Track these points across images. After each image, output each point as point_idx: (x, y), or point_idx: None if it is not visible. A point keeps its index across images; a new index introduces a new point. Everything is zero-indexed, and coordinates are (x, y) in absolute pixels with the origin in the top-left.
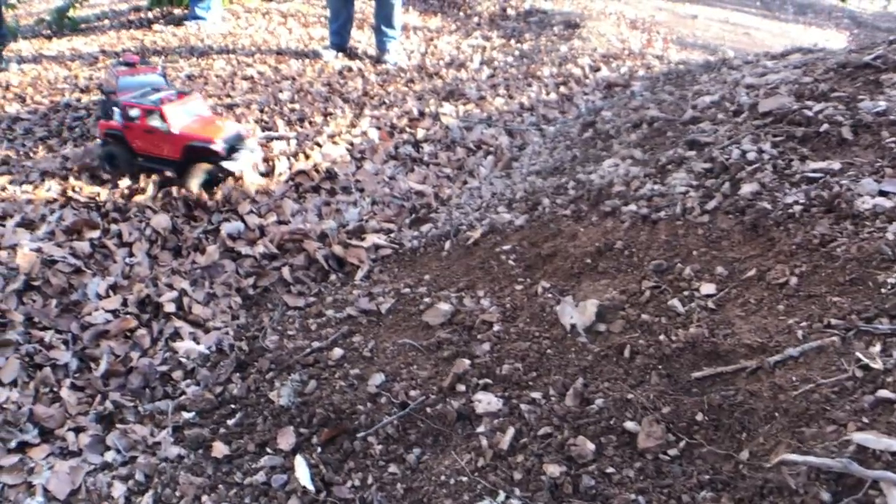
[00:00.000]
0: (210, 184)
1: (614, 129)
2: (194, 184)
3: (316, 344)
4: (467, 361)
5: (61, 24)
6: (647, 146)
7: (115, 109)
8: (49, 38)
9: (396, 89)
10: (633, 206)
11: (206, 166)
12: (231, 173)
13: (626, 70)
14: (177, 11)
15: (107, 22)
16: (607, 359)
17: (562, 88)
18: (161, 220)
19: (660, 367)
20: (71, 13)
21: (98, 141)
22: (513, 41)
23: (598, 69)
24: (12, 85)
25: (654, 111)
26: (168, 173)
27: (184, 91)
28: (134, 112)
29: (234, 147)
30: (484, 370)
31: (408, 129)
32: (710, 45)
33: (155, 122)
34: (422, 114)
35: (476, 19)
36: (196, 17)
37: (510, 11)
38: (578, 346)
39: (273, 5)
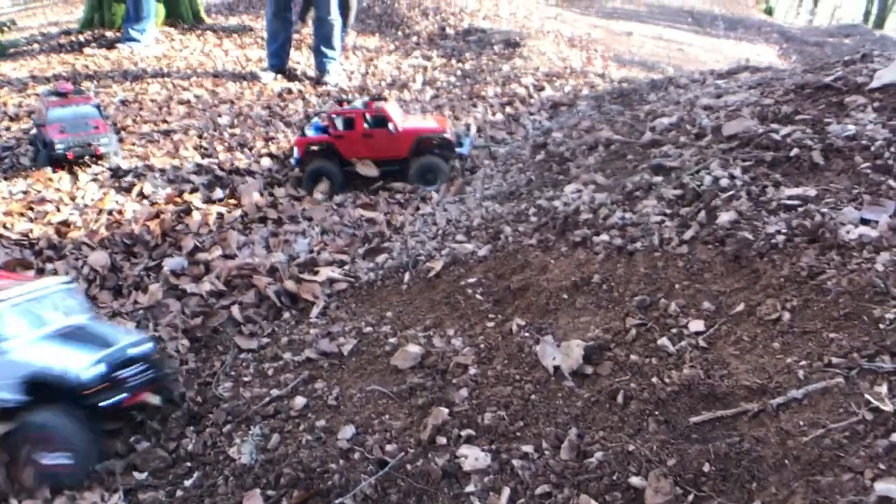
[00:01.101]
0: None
1: (569, 152)
2: (415, 178)
3: (275, 392)
4: (445, 410)
5: None
6: (608, 170)
7: (313, 122)
8: None
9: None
10: (605, 237)
11: (430, 159)
12: (463, 158)
13: (570, 89)
14: (109, 34)
15: (36, 46)
16: (599, 405)
17: (507, 108)
18: (99, 258)
19: (656, 412)
20: None
21: (293, 161)
22: (454, 60)
23: (542, 88)
24: None
25: (608, 132)
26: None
27: (376, 97)
28: (347, 119)
29: (458, 135)
30: (465, 420)
31: None
32: (647, 61)
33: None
34: None
35: (415, 38)
36: (130, 39)
37: (449, 31)
38: (565, 391)
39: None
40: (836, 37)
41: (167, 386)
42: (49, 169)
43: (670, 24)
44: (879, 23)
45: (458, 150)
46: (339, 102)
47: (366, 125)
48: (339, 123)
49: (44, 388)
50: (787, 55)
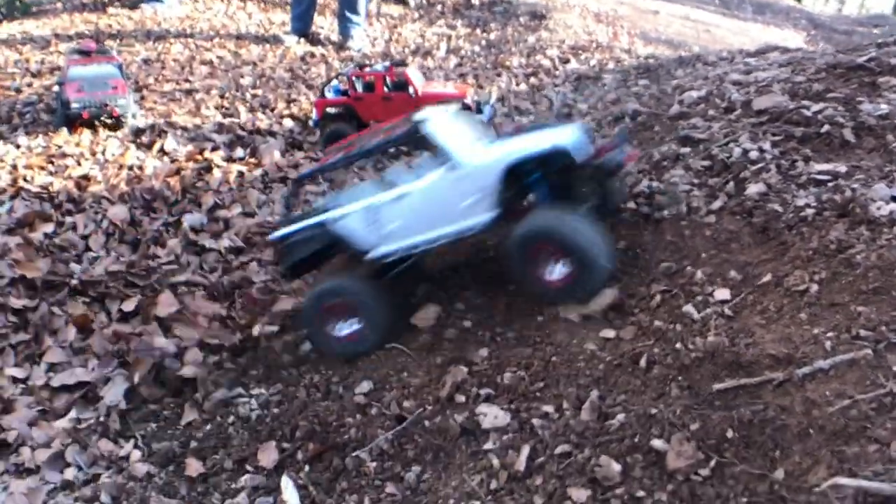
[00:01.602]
0: None
1: (594, 122)
2: None
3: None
4: (465, 369)
5: (13, 8)
6: (635, 140)
7: (332, 84)
8: (0, 21)
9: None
10: (631, 204)
11: None
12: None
13: (595, 63)
14: None
15: (60, 4)
16: (621, 368)
17: (532, 79)
18: (118, 212)
19: (679, 378)
20: None
21: (311, 122)
22: (478, 30)
23: (567, 61)
24: None
25: (635, 104)
26: None
27: (398, 62)
28: (367, 82)
29: (479, 102)
30: (484, 379)
31: None
32: (673, 40)
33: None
34: None
35: (439, 7)
36: (153, 0)
37: (474, 1)
38: (587, 353)
39: None
40: (865, 26)
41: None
42: (65, 129)
43: (697, 4)
44: None
45: (478, 116)
46: (361, 66)
47: (386, 89)
48: (359, 86)
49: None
50: (814, 41)
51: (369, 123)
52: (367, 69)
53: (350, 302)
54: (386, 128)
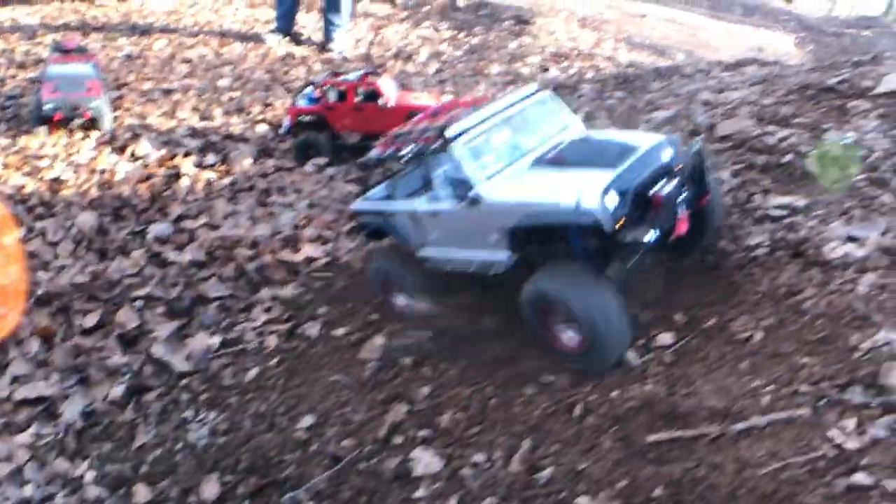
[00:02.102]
0: None
1: None
2: None
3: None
4: (405, 408)
5: None
6: None
7: (306, 92)
8: None
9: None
10: None
11: None
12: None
13: (574, 71)
14: None
15: None
16: (556, 416)
17: (509, 88)
18: (87, 219)
19: (613, 429)
20: None
21: (282, 130)
22: (462, 34)
23: (546, 69)
24: None
25: (605, 122)
26: None
27: (372, 71)
28: (340, 91)
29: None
30: (423, 419)
31: None
32: (658, 45)
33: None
34: None
35: (426, 8)
36: None
37: (460, 3)
38: (525, 397)
39: None
40: (855, 28)
41: (710, 206)
42: (41, 129)
43: (686, 7)
44: None
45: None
46: (335, 74)
47: (357, 98)
48: (332, 95)
49: (543, 235)
50: (803, 44)
51: (340, 134)
52: (341, 78)
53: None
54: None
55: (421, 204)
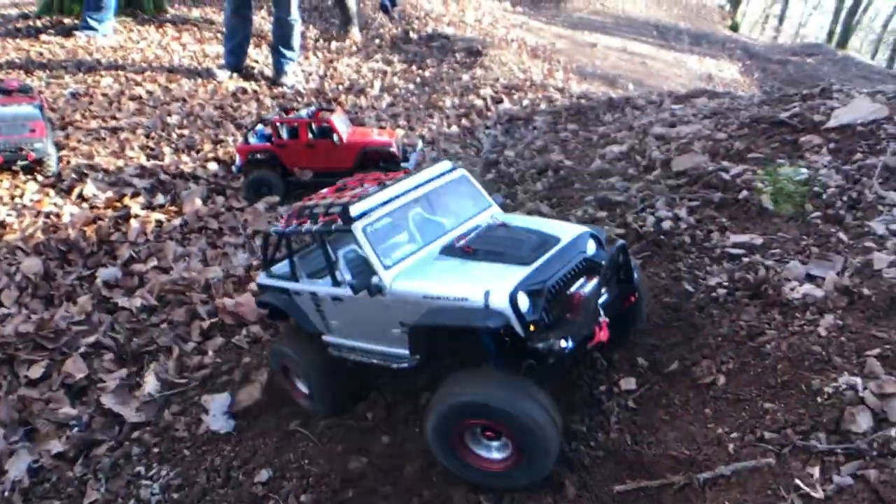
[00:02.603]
0: None
1: (518, 174)
2: None
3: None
4: (364, 460)
5: None
6: (555, 199)
7: (257, 128)
8: None
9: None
10: None
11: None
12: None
13: (528, 102)
14: (67, 21)
15: None
16: None
17: (463, 121)
18: (32, 265)
19: (577, 478)
20: None
21: (234, 169)
22: (414, 66)
23: (500, 101)
24: None
25: (559, 155)
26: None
27: (324, 107)
28: (292, 128)
29: (405, 149)
30: (382, 473)
31: None
32: (609, 74)
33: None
34: None
35: (378, 41)
36: (88, 28)
37: (413, 35)
38: None
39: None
40: (799, 55)
41: (636, 306)
42: None
43: (636, 36)
44: (843, 42)
45: (403, 164)
46: (285, 111)
47: (310, 135)
48: (284, 132)
49: (449, 337)
50: (749, 72)
51: (293, 171)
52: (293, 114)
53: None
54: (329, 203)
55: (323, 286)
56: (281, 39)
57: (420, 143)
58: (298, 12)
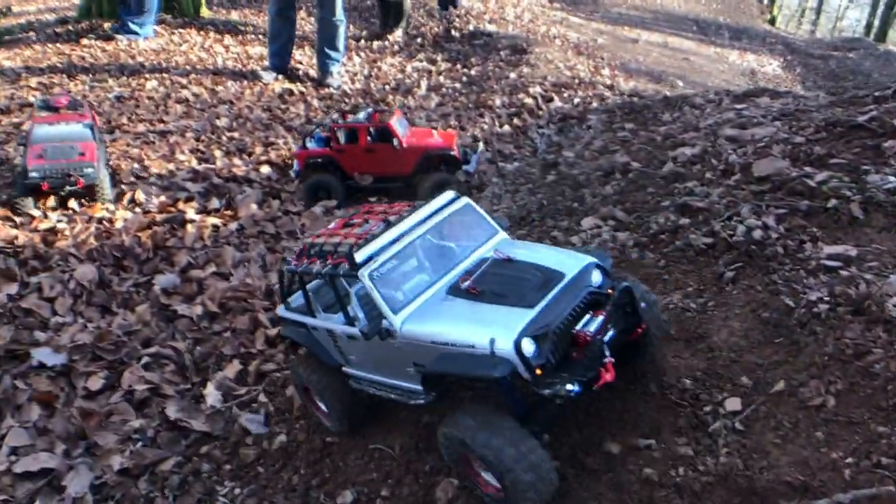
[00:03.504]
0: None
1: (583, 176)
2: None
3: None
4: (455, 482)
5: None
6: (628, 203)
7: (314, 132)
8: None
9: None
10: None
11: (438, 175)
12: (469, 174)
13: (579, 101)
14: (107, 25)
15: (32, 34)
16: (626, 489)
17: (515, 120)
18: (86, 272)
19: (687, 502)
20: None
21: (292, 173)
22: (459, 65)
23: (550, 99)
24: None
25: (624, 157)
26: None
27: (381, 109)
28: (350, 132)
29: (465, 152)
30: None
31: None
32: (653, 71)
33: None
34: None
35: (420, 40)
36: (129, 32)
37: (454, 33)
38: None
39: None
40: (840, 50)
41: (649, 335)
42: (29, 201)
43: (675, 31)
44: (881, 36)
45: (464, 167)
46: (342, 114)
47: (369, 139)
48: (342, 137)
49: (457, 381)
50: (791, 67)
51: (353, 175)
52: (350, 118)
53: None
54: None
55: (338, 324)
56: (326, 40)
57: (481, 145)
58: (343, 13)
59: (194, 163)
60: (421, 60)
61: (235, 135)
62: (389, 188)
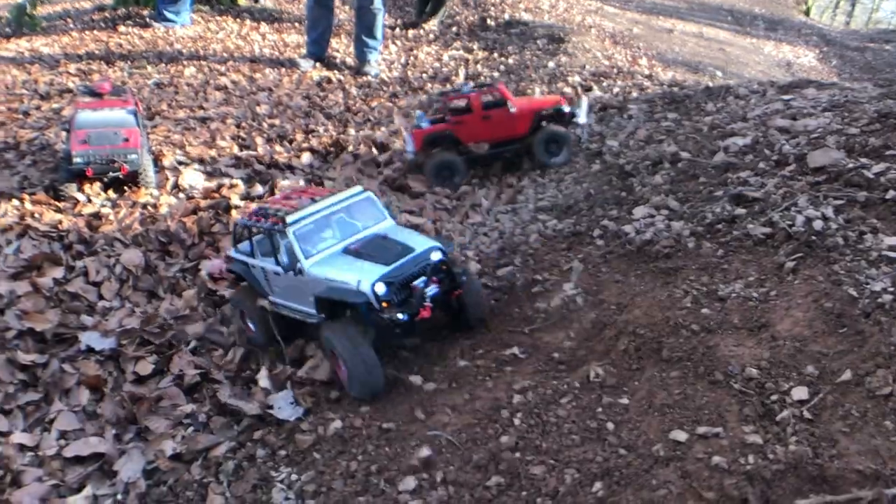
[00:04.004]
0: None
1: (630, 165)
2: (540, 152)
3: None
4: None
5: (21, 23)
6: (680, 193)
7: (417, 115)
8: (7, 37)
9: (381, 104)
10: (691, 275)
11: (551, 131)
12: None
13: (618, 90)
14: (144, 12)
15: (70, 22)
16: (697, 482)
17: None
18: (133, 257)
19: (759, 489)
20: (31, 11)
21: (409, 156)
22: (496, 54)
23: (589, 88)
24: None
25: (671, 146)
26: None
27: (482, 83)
28: (463, 104)
29: (572, 111)
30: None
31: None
32: (690, 61)
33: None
34: None
35: (455, 29)
36: (165, 20)
37: (490, 22)
38: (661, 459)
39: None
40: (876, 42)
41: (465, 296)
42: (73, 186)
43: (710, 21)
44: None
45: (575, 119)
46: (444, 93)
47: (484, 107)
48: (456, 109)
49: (336, 305)
50: (827, 59)
51: (469, 146)
52: (459, 92)
53: None
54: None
55: (270, 264)
56: (365, 28)
57: (584, 98)
58: (382, 1)
59: (236, 149)
60: (457, 49)
61: (276, 122)
62: (505, 152)
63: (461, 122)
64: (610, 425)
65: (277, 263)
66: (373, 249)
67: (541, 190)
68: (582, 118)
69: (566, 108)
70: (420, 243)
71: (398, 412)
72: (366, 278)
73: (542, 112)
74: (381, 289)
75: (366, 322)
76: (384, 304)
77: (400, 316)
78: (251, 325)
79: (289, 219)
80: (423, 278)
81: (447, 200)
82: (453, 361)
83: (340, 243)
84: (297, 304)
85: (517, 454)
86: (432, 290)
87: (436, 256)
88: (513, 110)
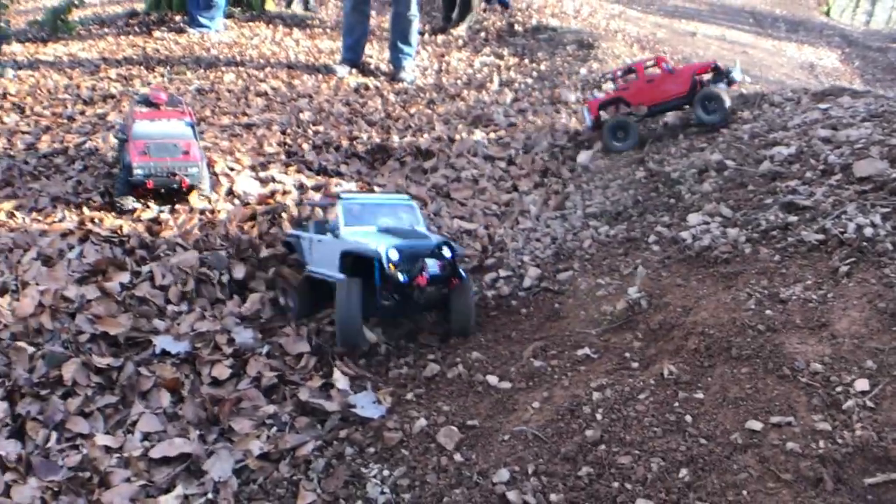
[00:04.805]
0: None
1: (676, 173)
2: (698, 109)
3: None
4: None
5: (56, 28)
6: (731, 200)
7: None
8: (44, 41)
9: (419, 111)
10: (752, 279)
11: (706, 90)
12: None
13: None
14: (178, 17)
15: (104, 27)
16: (775, 466)
17: None
18: (195, 261)
19: (832, 470)
20: (67, 16)
21: (587, 124)
22: (526, 60)
23: None
24: (9, 93)
25: (716, 155)
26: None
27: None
28: (630, 71)
29: (728, 70)
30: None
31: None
32: None
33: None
34: (451, 140)
35: (483, 34)
36: (199, 26)
37: (518, 28)
38: (737, 446)
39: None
40: None
41: (458, 292)
42: (130, 199)
43: (732, 24)
44: None
45: (731, 76)
46: (614, 73)
47: (648, 72)
48: (624, 79)
49: (358, 263)
50: (849, 60)
51: (637, 107)
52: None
53: None
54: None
55: (316, 236)
56: (400, 35)
57: (738, 60)
58: (418, 8)
59: (283, 156)
60: (488, 55)
61: (320, 128)
62: (666, 111)
63: (629, 89)
64: (688, 418)
65: (324, 232)
66: (397, 231)
67: (588, 196)
68: (738, 76)
69: (720, 65)
70: (436, 238)
71: (479, 410)
72: (383, 244)
73: (698, 72)
74: (394, 255)
75: (375, 278)
76: (391, 267)
77: (401, 276)
78: (291, 303)
79: (342, 195)
80: (429, 260)
81: (495, 206)
82: (527, 362)
83: (378, 226)
84: (327, 270)
85: (602, 446)
86: (433, 266)
87: (445, 249)
88: (673, 72)
